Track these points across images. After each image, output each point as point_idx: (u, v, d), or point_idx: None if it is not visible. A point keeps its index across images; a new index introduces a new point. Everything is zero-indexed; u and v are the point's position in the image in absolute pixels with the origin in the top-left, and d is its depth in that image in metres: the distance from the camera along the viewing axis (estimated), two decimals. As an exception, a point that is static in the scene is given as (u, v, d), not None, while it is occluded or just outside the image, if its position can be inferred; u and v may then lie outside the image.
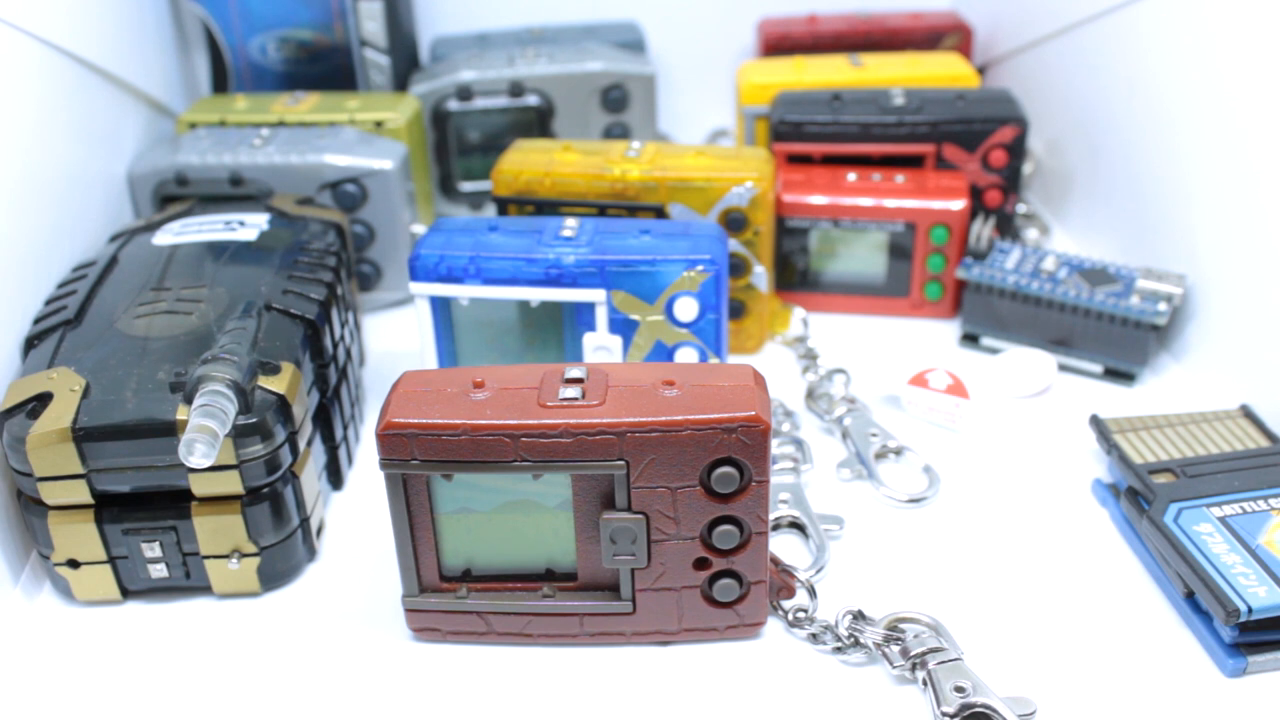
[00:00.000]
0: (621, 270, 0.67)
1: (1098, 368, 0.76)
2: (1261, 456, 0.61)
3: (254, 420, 0.56)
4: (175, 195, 0.81)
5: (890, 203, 0.81)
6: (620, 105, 0.94)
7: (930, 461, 0.68)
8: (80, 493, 0.56)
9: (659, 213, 0.75)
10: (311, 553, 0.62)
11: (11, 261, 0.65)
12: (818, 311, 0.84)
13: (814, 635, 0.56)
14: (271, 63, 0.98)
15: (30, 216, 0.68)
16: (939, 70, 0.92)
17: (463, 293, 0.68)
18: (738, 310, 0.79)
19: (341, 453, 0.68)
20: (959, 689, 0.51)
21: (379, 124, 0.86)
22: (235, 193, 0.80)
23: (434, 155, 0.95)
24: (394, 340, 0.82)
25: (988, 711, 0.50)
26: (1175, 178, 0.78)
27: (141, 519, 0.57)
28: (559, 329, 0.70)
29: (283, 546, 0.60)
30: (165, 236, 0.71)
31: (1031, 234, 0.91)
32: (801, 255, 0.84)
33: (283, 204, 0.76)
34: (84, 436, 0.55)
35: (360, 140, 0.83)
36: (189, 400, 0.55)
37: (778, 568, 0.58)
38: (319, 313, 0.65)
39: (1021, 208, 0.93)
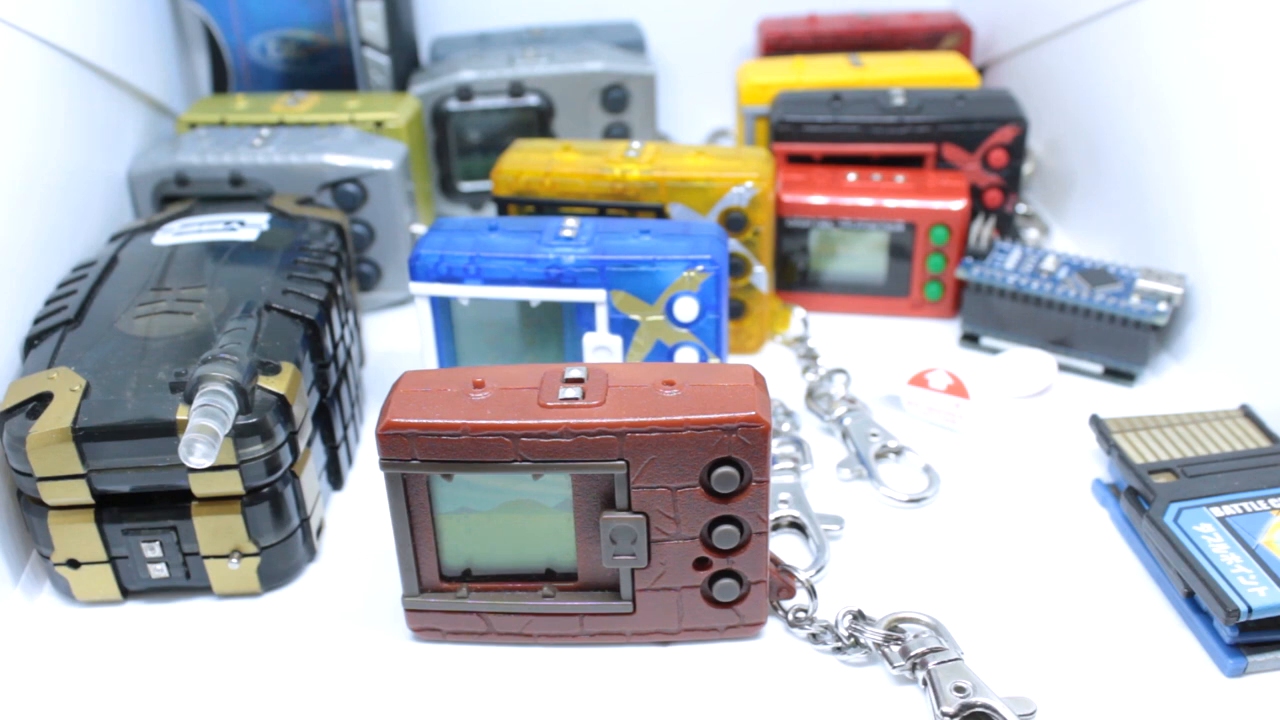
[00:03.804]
0: (621, 270, 0.67)
1: (1098, 368, 0.76)
2: (1261, 456, 0.61)
3: (254, 420, 0.56)
4: (175, 195, 0.81)
5: (890, 203, 0.81)
6: (620, 105, 0.94)
7: (930, 461, 0.68)
8: (80, 493, 0.56)
9: (659, 213, 0.75)
10: (311, 553, 0.62)
11: (11, 261, 0.65)
12: (818, 311, 0.84)
13: (814, 635, 0.56)
14: (271, 63, 0.98)
15: (30, 216, 0.68)
16: (939, 70, 0.92)
17: (463, 293, 0.68)
18: (738, 310, 0.79)
19: (341, 453, 0.68)
20: (959, 689, 0.51)
21: (379, 124, 0.86)
22: (235, 193, 0.80)
23: (434, 155, 0.95)
24: (394, 340, 0.82)
25: (988, 711, 0.50)
26: (1175, 177, 0.78)
27: (141, 519, 0.57)
28: (559, 329, 0.70)
29: (283, 546, 0.60)
30: (165, 236, 0.71)
31: (1031, 234, 0.91)
32: (801, 255, 0.84)
33: (283, 204, 0.76)
34: (84, 436, 0.55)
35: (360, 140, 0.83)
36: (189, 400, 0.55)
37: (778, 568, 0.58)
38: (319, 313, 0.65)
39: (1021, 208, 0.93)
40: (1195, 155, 0.76)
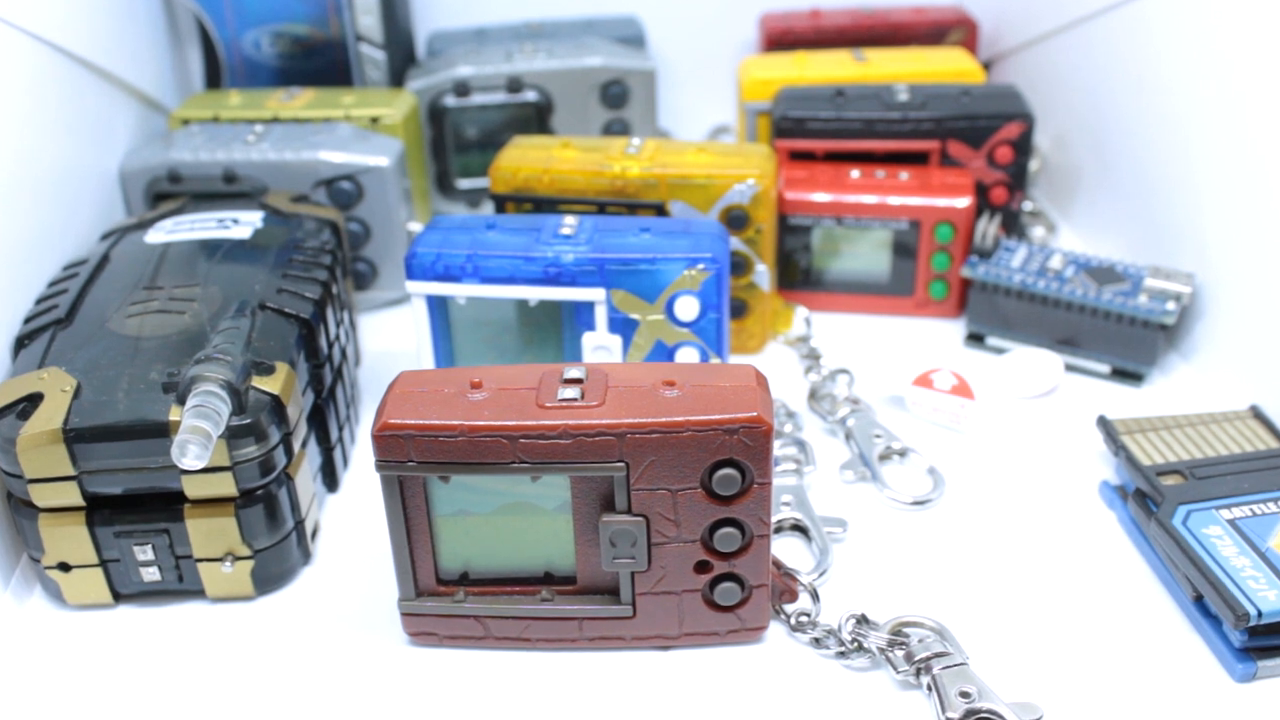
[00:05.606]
0: (621, 269, 0.66)
1: (1105, 368, 0.75)
2: (1271, 458, 0.61)
3: (248, 421, 0.56)
4: (168, 192, 0.81)
5: (894, 200, 0.80)
6: (620, 101, 0.94)
7: (935, 463, 0.68)
8: (71, 495, 0.56)
9: (659, 210, 0.75)
10: (306, 556, 0.62)
11: (2, 259, 0.64)
12: (821, 311, 0.84)
13: (817, 640, 0.55)
14: (266, 58, 0.98)
15: (21, 214, 0.68)
16: (944, 65, 0.92)
17: (460, 291, 0.68)
18: (739, 309, 0.78)
19: (337, 454, 0.67)
20: (964, 694, 0.51)
21: (375, 120, 0.86)
22: (229, 190, 0.80)
23: (431, 152, 0.94)
24: (390, 340, 0.82)
25: (993, 717, 0.50)
26: (1184, 175, 0.78)
27: (133, 521, 0.57)
28: (558, 328, 0.70)
29: (277, 549, 0.59)
30: (158, 234, 0.71)
31: (1038, 232, 0.91)
32: (804, 253, 0.83)
33: (277, 201, 0.76)
34: (75, 438, 0.54)
35: (356, 137, 0.82)
36: (182, 401, 0.55)
37: (780, 571, 0.58)
38: (314, 312, 0.64)
39: (1027, 205, 0.93)
40: (1204, 152, 0.75)
